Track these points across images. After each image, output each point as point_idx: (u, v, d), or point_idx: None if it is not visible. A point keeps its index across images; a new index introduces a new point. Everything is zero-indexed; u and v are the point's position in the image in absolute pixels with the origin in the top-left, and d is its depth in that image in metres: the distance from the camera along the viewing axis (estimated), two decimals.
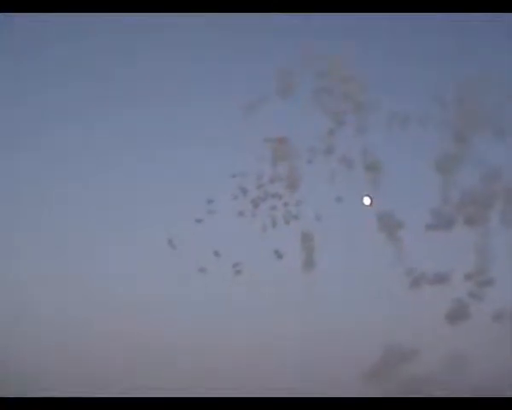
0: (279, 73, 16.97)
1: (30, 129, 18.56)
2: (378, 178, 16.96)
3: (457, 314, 16.25)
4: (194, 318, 17.18)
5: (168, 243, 16.93)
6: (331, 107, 17.11)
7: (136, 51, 18.59)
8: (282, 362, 16.85)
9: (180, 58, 18.40)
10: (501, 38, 17.59)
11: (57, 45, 18.62)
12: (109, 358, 17.10)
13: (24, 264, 17.71)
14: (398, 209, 16.77)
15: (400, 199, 16.83)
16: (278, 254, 16.98)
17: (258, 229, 17.11)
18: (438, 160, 16.77)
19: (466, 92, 16.83)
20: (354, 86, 17.02)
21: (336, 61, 17.02)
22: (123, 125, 18.75)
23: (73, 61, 18.56)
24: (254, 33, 18.02)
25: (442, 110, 16.93)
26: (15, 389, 15.84)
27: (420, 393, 15.75)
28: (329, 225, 16.87)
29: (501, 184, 16.66)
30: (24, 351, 17.02)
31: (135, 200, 18.05)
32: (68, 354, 17.14)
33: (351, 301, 16.99)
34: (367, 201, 17.22)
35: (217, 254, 16.97)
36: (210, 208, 17.11)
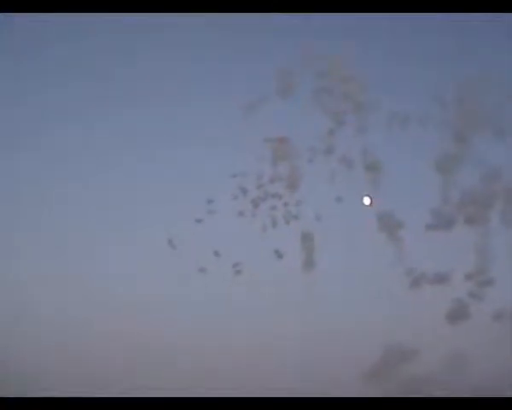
0: (279, 73, 16.97)
1: (30, 129, 18.58)
2: (378, 178, 16.96)
3: (457, 314, 16.25)
4: (194, 318, 17.18)
5: (168, 243, 16.93)
6: (331, 107, 17.11)
7: (136, 51, 18.60)
8: (282, 362, 16.85)
9: (180, 58, 18.41)
10: (501, 38, 17.61)
11: (57, 45, 18.63)
12: (109, 358, 17.09)
13: (24, 264, 17.71)
14: (398, 209, 16.79)
15: (400, 199, 16.84)
16: (278, 254, 16.99)
17: (258, 229, 17.13)
18: (438, 160, 16.77)
19: (466, 92, 16.83)
20: (354, 86, 17.02)
21: (336, 61, 17.02)
22: (123, 125, 18.76)
23: (73, 61, 18.58)
24: (254, 33, 18.04)
25: (442, 110, 16.94)
26: (15, 389, 15.83)
27: (420, 393, 15.75)
28: (329, 225, 16.88)
29: (501, 184, 16.66)
30: (24, 351, 17.02)
31: (135, 200, 18.05)
32: (68, 354, 17.13)
33: (351, 301, 16.99)
34: (367, 201, 17.22)
35: (217, 254, 16.97)
36: (210, 208, 17.12)
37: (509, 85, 16.57)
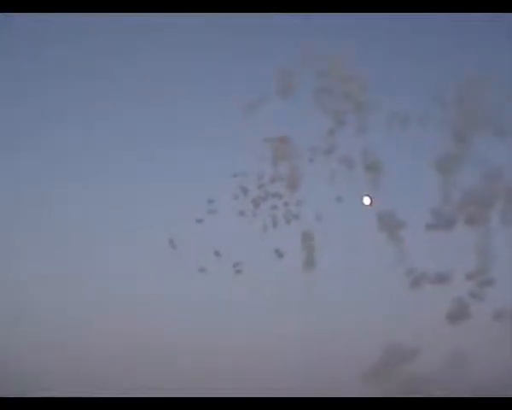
0: (279, 73, 16.99)
1: (30, 129, 18.63)
2: (378, 178, 16.97)
3: (458, 314, 16.26)
4: (195, 318, 17.19)
5: (169, 242, 16.93)
6: (331, 107, 17.13)
7: (136, 51, 18.62)
8: (283, 362, 16.86)
9: (180, 58, 18.44)
10: (501, 37, 17.64)
11: (57, 45, 18.67)
12: (109, 358, 17.09)
13: (24, 264, 17.73)
14: (399, 209, 16.81)
15: (401, 199, 16.87)
16: (279, 254, 16.99)
17: (258, 228, 17.15)
18: (438, 160, 16.79)
19: (466, 92, 16.84)
20: (354, 86, 17.03)
21: (336, 61, 17.03)
22: (123, 125, 18.80)
23: (73, 61, 18.61)
24: (254, 33, 18.09)
25: (442, 110, 16.96)
26: (15, 389, 15.82)
27: (420, 393, 15.75)
28: (330, 224, 16.89)
29: (501, 183, 16.67)
30: (24, 351, 17.01)
31: (135, 200, 18.07)
32: (68, 354, 17.14)
33: (351, 300, 17.00)
34: (367, 200, 17.23)
35: (217, 253, 16.97)
36: (211, 208, 17.12)
37: (509, 85, 16.59)
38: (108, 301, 17.35)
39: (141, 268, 17.39)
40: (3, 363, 16.70)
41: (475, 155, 16.78)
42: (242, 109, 16.95)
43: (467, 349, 15.79)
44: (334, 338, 16.51)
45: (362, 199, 17.23)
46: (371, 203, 17.20)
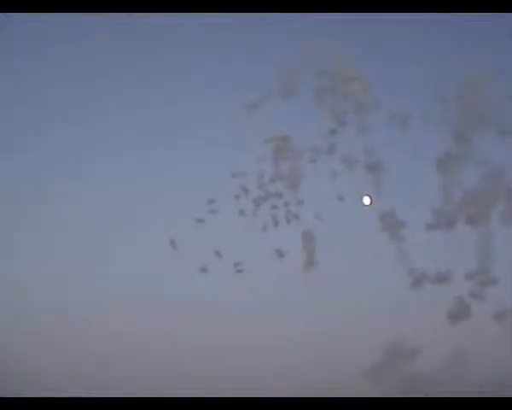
0: (280, 73, 16.97)
1: (30, 129, 18.63)
2: (379, 178, 16.96)
3: (459, 314, 16.27)
4: (195, 318, 17.17)
5: (170, 243, 16.91)
6: (332, 106, 17.12)
7: (136, 51, 18.64)
8: (283, 362, 16.86)
9: (180, 58, 18.44)
10: (501, 38, 17.67)
11: (57, 45, 18.66)
12: (109, 358, 17.08)
13: (24, 264, 17.72)
14: (400, 209, 16.81)
15: (401, 199, 16.90)
16: (279, 254, 16.97)
17: (259, 228, 17.12)
18: (439, 159, 16.80)
19: (466, 92, 16.85)
20: (355, 86, 17.02)
21: (337, 61, 17.02)
22: (123, 125, 18.80)
23: (73, 61, 18.61)
24: (255, 33, 18.09)
25: (443, 110, 16.95)
26: (15, 389, 15.80)
27: (420, 393, 15.77)
28: (331, 224, 16.89)
29: (502, 183, 16.67)
30: (24, 351, 16.99)
31: (136, 200, 18.07)
32: (68, 354, 17.12)
33: (351, 300, 17.01)
34: (367, 200, 17.23)
35: (218, 253, 16.95)
36: (211, 208, 17.09)
37: (510, 85, 16.62)
38: (108, 301, 17.36)
39: (141, 268, 17.38)
40: (3, 363, 16.69)
41: (476, 155, 16.81)
42: (243, 109, 16.95)
43: (467, 349, 15.80)
44: (335, 338, 16.53)
45: (362, 199, 17.26)
46: (371, 203, 17.21)
